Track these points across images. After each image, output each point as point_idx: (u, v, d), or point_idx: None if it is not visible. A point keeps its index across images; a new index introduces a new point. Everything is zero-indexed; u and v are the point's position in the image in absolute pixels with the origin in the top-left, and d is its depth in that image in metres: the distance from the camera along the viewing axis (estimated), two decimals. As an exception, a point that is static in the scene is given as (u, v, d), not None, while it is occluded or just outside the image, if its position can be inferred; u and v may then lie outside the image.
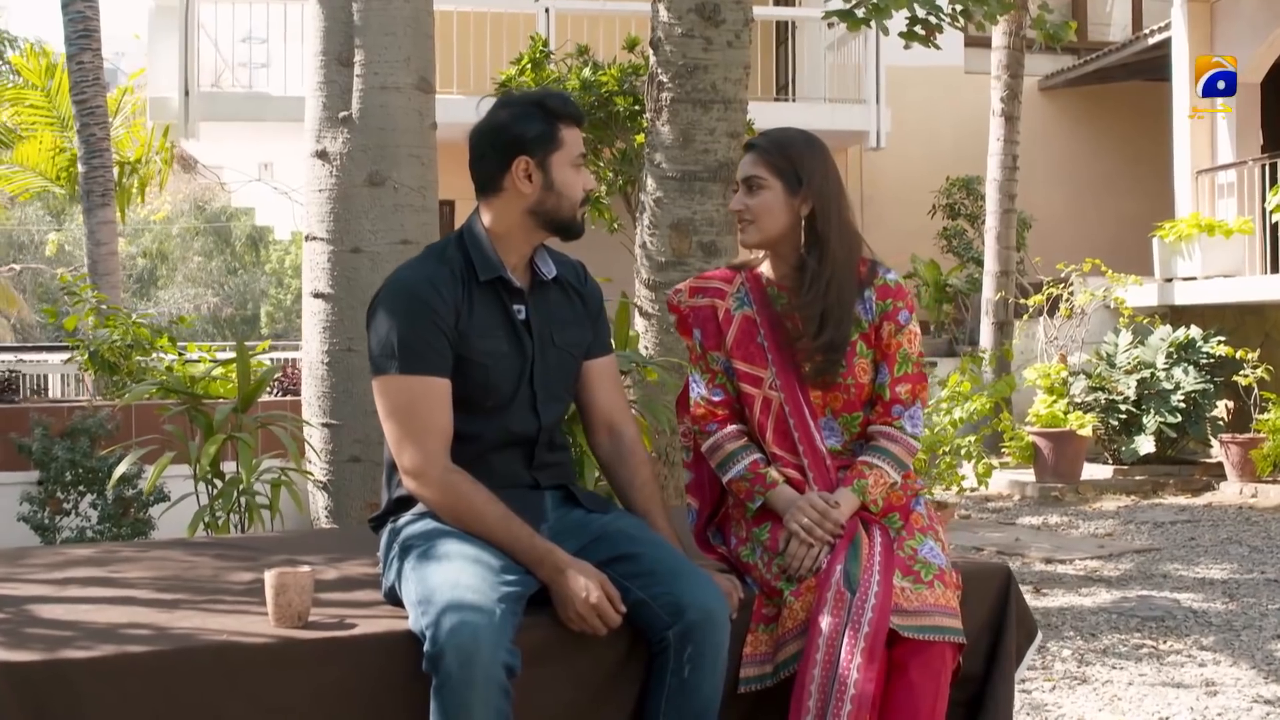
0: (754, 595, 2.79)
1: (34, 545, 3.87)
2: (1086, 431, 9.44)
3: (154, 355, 6.40)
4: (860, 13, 5.65)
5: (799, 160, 2.92)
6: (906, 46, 6.09)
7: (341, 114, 5.69)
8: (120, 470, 4.61)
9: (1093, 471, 9.80)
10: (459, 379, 2.65)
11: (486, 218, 2.75)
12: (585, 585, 2.48)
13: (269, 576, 2.47)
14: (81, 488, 5.29)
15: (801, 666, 2.60)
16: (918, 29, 5.87)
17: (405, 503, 2.69)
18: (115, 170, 11.59)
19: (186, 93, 11.67)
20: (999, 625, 2.99)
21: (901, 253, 13.01)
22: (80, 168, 9.42)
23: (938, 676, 2.62)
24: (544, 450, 2.76)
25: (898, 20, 6.03)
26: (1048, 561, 6.80)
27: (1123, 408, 9.69)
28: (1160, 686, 4.38)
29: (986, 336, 11.00)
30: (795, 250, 2.93)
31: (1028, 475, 9.73)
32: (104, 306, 6.24)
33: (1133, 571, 6.49)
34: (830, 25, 6.13)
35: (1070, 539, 7.58)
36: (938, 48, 6.09)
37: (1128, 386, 9.69)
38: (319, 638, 2.41)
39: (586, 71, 8.06)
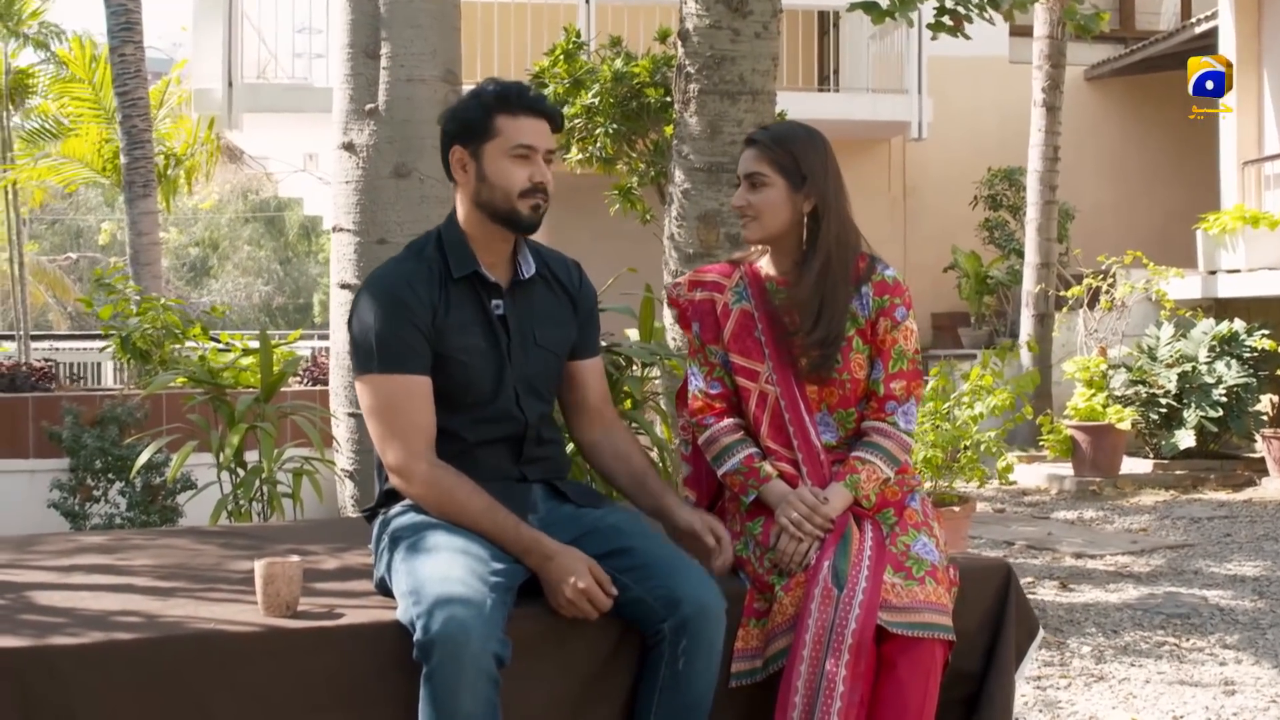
0: (746, 590, 2.80)
1: (47, 532, 3.94)
2: (1125, 425, 9.34)
3: (187, 344, 6.48)
4: (885, 4, 5.61)
5: (801, 156, 2.91)
6: (934, 37, 6.04)
7: (368, 106, 5.73)
8: (143, 459, 4.67)
9: (1132, 466, 9.70)
10: (439, 376, 2.67)
11: (459, 212, 2.78)
12: (573, 571, 2.49)
13: (258, 566, 2.50)
14: (111, 475, 5.37)
15: (788, 664, 2.61)
16: (945, 19, 5.82)
17: (395, 495, 2.72)
18: (160, 161, 11.76)
19: (230, 84, 11.78)
20: (998, 623, 2.97)
21: (943, 244, 12.93)
22: (122, 159, 9.54)
23: (927, 674, 2.62)
24: (532, 445, 2.77)
25: (928, 11, 5.99)
26: (1078, 556, 6.74)
27: (1163, 402, 9.57)
28: (1177, 685, 4.34)
29: (1027, 329, 10.91)
30: (797, 245, 2.94)
31: (1066, 469, 9.65)
32: (136, 295, 6.32)
33: (1163, 568, 6.42)
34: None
35: (1103, 534, 7.51)
36: (967, 37, 6.02)
37: (1169, 380, 9.57)
38: (306, 627, 2.43)
39: (619, 62, 8.07)
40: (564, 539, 2.63)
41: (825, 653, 2.57)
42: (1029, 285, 10.89)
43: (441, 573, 2.40)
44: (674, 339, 5.83)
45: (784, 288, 2.94)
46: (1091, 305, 10.38)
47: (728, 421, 2.93)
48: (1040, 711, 4.07)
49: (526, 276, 2.78)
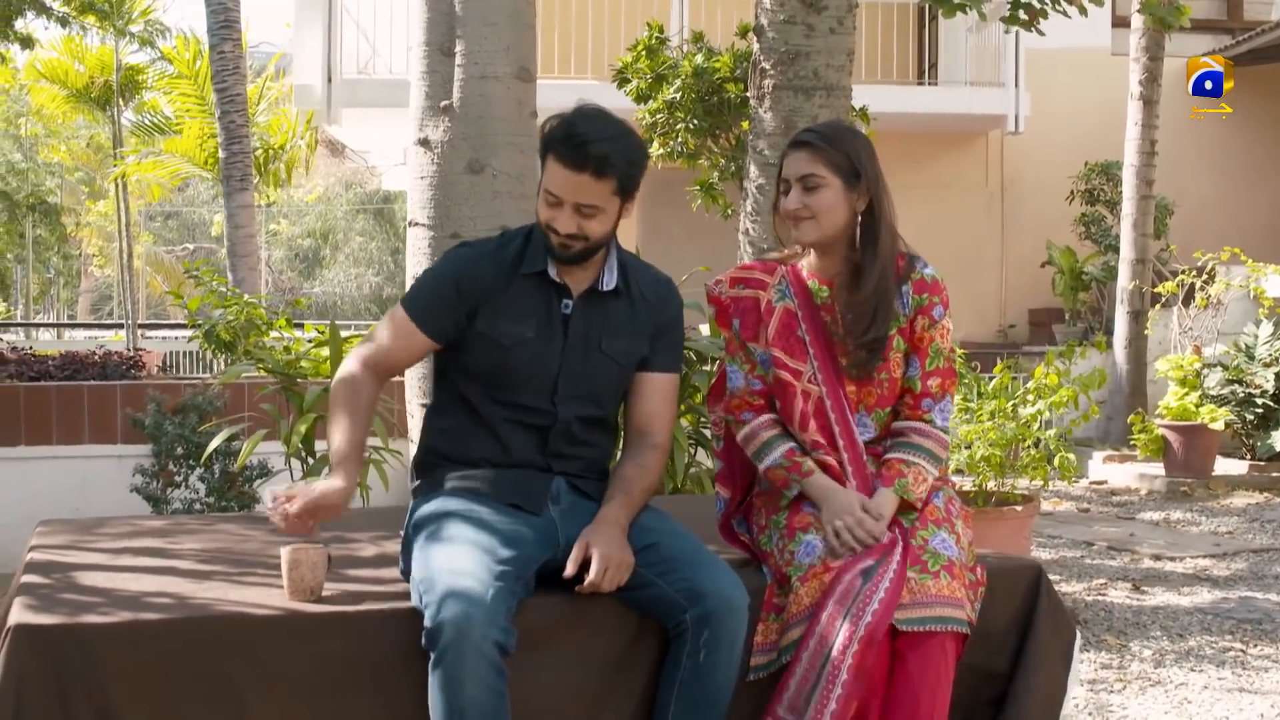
0: (766, 584, 2.83)
1: (112, 516, 4.10)
2: (1218, 425, 9.12)
3: (272, 335, 6.66)
4: (956, -1, 5.57)
5: (855, 155, 2.92)
6: (1006, 30, 5.98)
7: (443, 103, 5.83)
8: (213, 446, 4.83)
9: (1227, 467, 9.47)
10: (479, 354, 2.78)
11: None
12: (317, 486, 2.62)
13: (284, 552, 2.60)
14: (191, 461, 5.55)
15: (799, 646, 2.63)
16: (1020, 14, 5.75)
17: (424, 477, 2.84)
18: (261, 154, 12.07)
19: (329, 80, 12.02)
20: (1027, 623, 2.97)
21: (1041, 239, 12.72)
22: (221, 154, 9.81)
23: (937, 667, 2.62)
24: (560, 441, 2.82)
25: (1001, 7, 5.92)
26: (1157, 559, 6.62)
27: (1260, 401, 9.33)
28: (1236, 692, 4.26)
29: (1121, 325, 10.71)
30: (848, 245, 2.94)
31: (1158, 469, 9.45)
32: (223, 288, 6.53)
33: (1244, 571, 6.28)
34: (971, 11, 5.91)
35: (1187, 536, 7.37)
36: (1040, 33, 5.95)
37: (1266, 380, 9.32)
38: (326, 611, 2.53)
39: (699, 58, 8.10)
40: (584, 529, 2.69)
41: (834, 642, 2.58)
42: (1124, 281, 10.68)
43: (450, 563, 2.48)
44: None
45: (828, 287, 2.96)
46: (1187, 303, 10.15)
47: (766, 416, 2.95)
48: (1090, 715, 4.03)
49: (605, 288, 2.83)
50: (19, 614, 2.43)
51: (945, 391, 2.96)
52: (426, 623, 2.42)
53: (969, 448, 5.06)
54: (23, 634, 2.35)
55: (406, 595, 2.61)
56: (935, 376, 2.94)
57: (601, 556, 2.58)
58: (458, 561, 2.49)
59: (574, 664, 2.63)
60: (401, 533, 2.86)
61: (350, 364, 2.81)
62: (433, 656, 2.40)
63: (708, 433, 5.53)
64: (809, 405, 2.91)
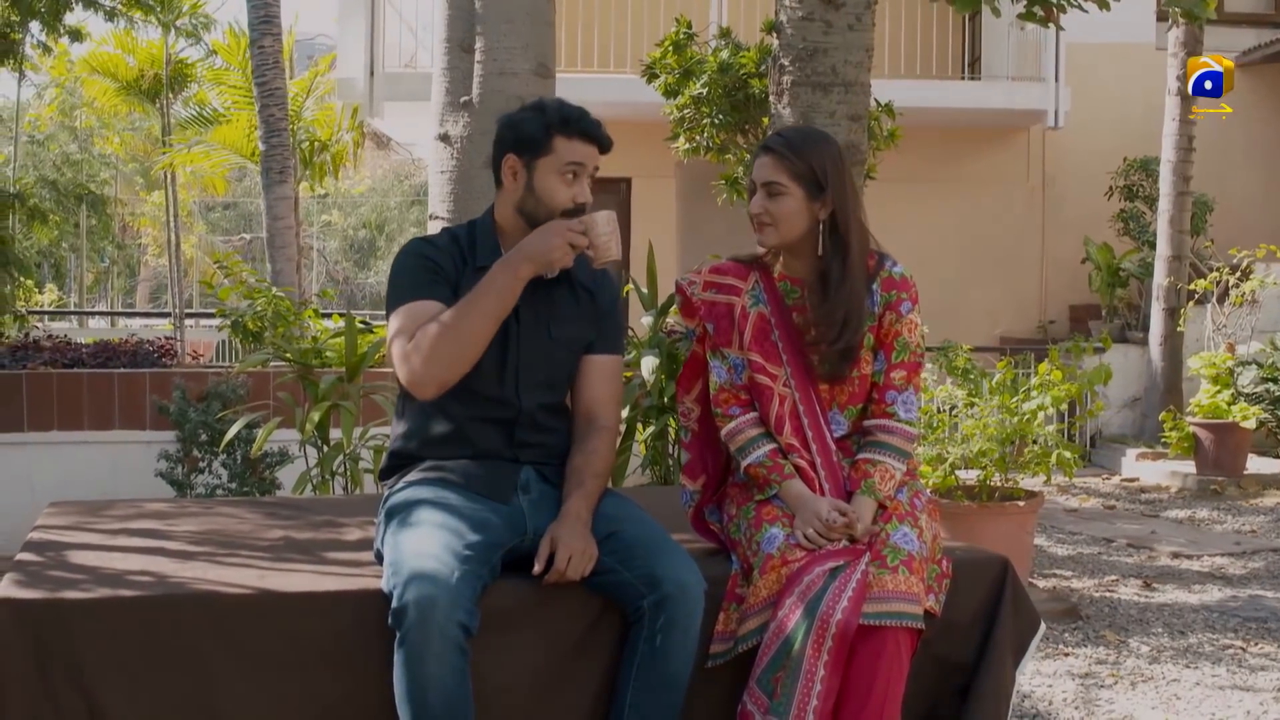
0: (731, 573, 2.90)
1: (119, 499, 4.23)
2: (1250, 424, 9.06)
3: (300, 325, 6.80)
4: (970, -5, 5.57)
5: (820, 165, 2.96)
6: (1021, 28, 5.98)
7: (463, 99, 5.95)
8: (231, 433, 4.97)
9: (1260, 465, 9.41)
10: None
11: (496, 208, 2.95)
12: (552, 229, 2.77)
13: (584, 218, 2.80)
14: (214, 448, 5.69)
15: (768, 635, 2.70)
16: (1036, 9, 5.75)
17: (398, 465, 2.94)
18: (306, 147, 12.24)
19: (371, 73, 12.16)
20: (993, 615, 3.02)
21: (1082, 235, 12.65)
22: (260, 146, 9.99)
23: (889, 661, 2.68)
24: (526, 430, 2.91)
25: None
26: (1175, 556, 6.61)
27: (1293, 400, 9.26)
28: (1228, 689, 4.27)
29: (1157, 322, 10.66)
30: (812, 248, 3.00)
31: (1190, 467, 9.40)
32: (252, 280, 6.67)
33: (1260, 571, 6.26)
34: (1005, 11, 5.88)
35: (1209, 535, 7.34)
36: (1061, 28, 5.94)
37: (1301, 378, 9.26)
38: (295, 591, 2.64)
39: (725, 53, 8.15)
40: (551, 519, 2.78)
41: (798, 634, 2.64)
42: (1159, 278, 10.62)
43: (418, 547, 2.58)
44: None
45: (799, 288, 3.02)
46: (1221, 300, 10.08)
47: (752, 414, 3.00)
48: (1077, 708, 4.07)
49: (549, 276, 2.92)
50: (4, 589, 2.56)
51: (909, 383, 3.01)
52: (393, 603, 2.52)
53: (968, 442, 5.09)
54: (4, 608, 2.47)
55: (376, 577, 2.71)
56: (900, 369, 3.00)
57: (565, 547, 2.67)
58: (425, 545, 2.59)
59: (536, 647, 2.71)
60: (376, 519, 2.96)
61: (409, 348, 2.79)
62: (398, 636, 2.50)
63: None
64: (784, 408, 2.98)
